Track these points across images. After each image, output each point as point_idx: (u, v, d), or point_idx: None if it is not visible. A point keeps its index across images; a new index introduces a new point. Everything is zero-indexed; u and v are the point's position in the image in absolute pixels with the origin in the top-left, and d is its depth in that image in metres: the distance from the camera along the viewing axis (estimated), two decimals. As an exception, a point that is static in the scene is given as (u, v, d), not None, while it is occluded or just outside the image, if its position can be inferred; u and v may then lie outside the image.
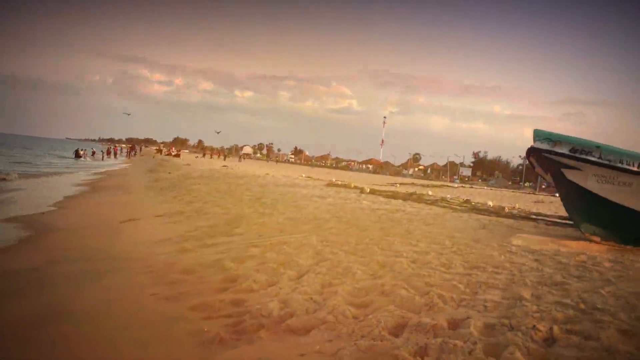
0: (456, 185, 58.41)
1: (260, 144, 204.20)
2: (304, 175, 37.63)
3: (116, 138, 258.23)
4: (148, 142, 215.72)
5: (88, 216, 14.24)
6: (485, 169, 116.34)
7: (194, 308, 5.76)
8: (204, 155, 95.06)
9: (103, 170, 42.06)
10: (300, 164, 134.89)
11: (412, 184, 47.42)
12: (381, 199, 17.44)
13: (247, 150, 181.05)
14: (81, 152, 64.19)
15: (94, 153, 70.68)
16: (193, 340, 4.89)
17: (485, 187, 65.02)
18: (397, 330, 4.79)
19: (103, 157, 66.46)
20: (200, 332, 5.04)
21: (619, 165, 8.80)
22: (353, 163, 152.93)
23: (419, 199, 18.49)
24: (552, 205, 25.47)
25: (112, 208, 15.84)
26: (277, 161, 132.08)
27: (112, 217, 13.48)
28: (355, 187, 22.11)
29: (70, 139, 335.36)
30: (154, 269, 7.52)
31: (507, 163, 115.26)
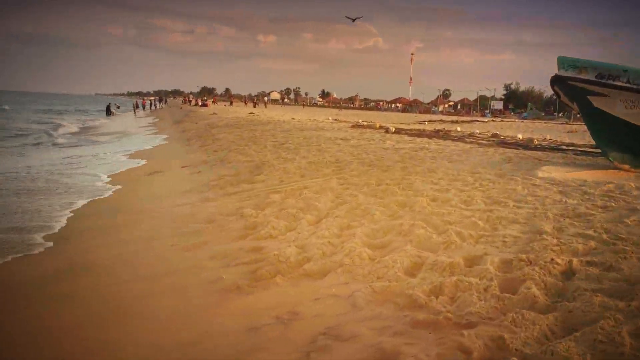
0: (487, 120, 57.30)
1: (287, 89, 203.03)
2: (330, 118, 37.35)
3: (144, 91, 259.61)
4: (176, 93, 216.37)
5: (115, 170, 14.42)
6: (518, 101, 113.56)
7: (213, 257, 5.81)
8: (231, 103, 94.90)
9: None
10: (328, 106, 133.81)
11: (441, 120, 46.73)
12: (406, 138, 17.22)
13: (275, 96, 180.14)
14: (112, 109, 64.55)
15: (118, 107, 71.12)
16: (211, 288, 4.95)
17: (517, 120, 63.66)
18: (413, 270, 4.76)
19: (134, 111, 66.80)
20: (218, 280, 5.09)
21: None
22: (382, 103, 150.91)
23: (446, 135, 18.22)
24: (586, 134, 24.80)
25: (142, 159, 16.01)
26: (304, 105, 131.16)
27: (139, 170, 13.64)
28: (381, 128, 21.87)
29: (99, 94, 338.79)
30: (176, 219, 7.60)
31: (541, 93, 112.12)
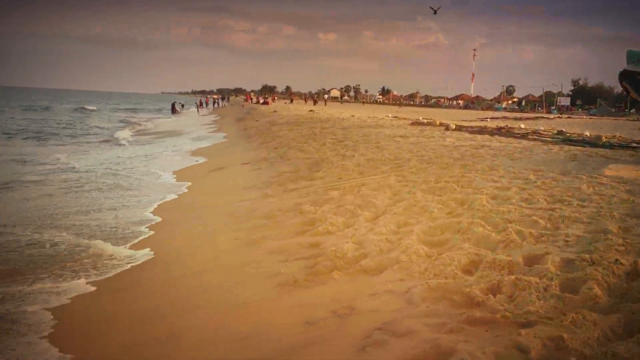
0: (552, 117, 55.52)
1: (347, 86, 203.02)
2: (390, 115, 37.11)
3: (207, 89, 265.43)
4: (238, 91, 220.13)
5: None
6: (586, 97, 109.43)
7: (272, 251, 5.94)
8: (291, 101, 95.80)
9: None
10: (388, 104, 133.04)
11: (504, 117, 45.64)
12: (466, 135, 16.94)
13: (335, 93, 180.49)
14: (177, 107, 66.35)
15: (182, 106, 73.02)
16: (270, 282, 5.08)
17: (585, 117, 61.45)
18: (471, 268, 4.72)
19: (198, 109, 68.44)
20: (277, 274, 5.22)
21: None
22: (443, 100, 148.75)
23: (508, 132, 17.80)
24: (659, 131, 23.72)
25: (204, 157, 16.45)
26: (363, 102, 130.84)
27: (202, 167, 14.03)
28: (441, 125, 21.58)
29: (165, 92, 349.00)
30: (237, 215, 7.80)
31: (611, 89, 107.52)
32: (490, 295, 4.04)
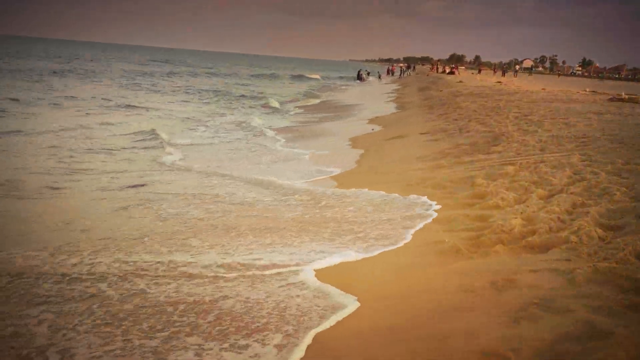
0: None
1: (542, 56, 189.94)
2: (587, 90, 34.27)
3: (394, 58, 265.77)
4: (424, 60, 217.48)
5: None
6: None
7: (438, 221, 6.10)
8: (479, 71, 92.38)
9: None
10: (587, 77, 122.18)
11: None
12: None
13: (527, 64, 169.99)
14: (363, 75, 67.72)
15: (368, 74, 74.12)
16: (432, 249, 5.28)
17: None
18: (648, 255, 4.46)
19: (380, 77, 69.23)
20: (440, 242, 5.38)
21: None
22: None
23: None
24: None
25: (381, 125, 16.84)
26: (559, 75, 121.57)
27: (377, 135, 14.42)
28: (646, 102, 19.52)
29: (353, 60, 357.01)
30: (409, 183, 8.03)
31: None
32: (664, 285, 3.83)
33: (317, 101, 31.25)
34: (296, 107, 27.08)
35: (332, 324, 3.92)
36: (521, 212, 5.94)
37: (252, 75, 62.66)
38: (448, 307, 4.00)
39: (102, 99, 23.85)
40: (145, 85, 35.09)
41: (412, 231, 5.84)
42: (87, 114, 18.44)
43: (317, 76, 70.12)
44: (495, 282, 4.23)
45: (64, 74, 38.98)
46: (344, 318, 4.01)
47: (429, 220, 6.17)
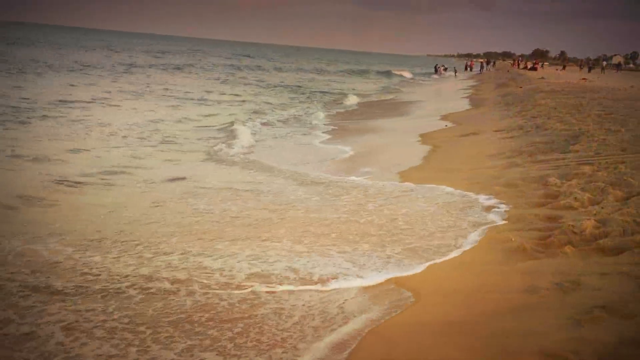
0: None
1: (634, 52, 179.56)
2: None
3: (474, 53, 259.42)
4: (505, 55, 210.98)
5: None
6: None
7: (507, 219, 5.99)
8: (564, 67, 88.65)
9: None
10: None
11: None
12: None
13: (617, 60, 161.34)
14: (440, 68, 66.73)
15: (446, 69, 72.73)
16: (499, 247, 5.20)
17: None
18: None
19: (456, 73, 67.78)
20: (507, 240, 5.30)
21: None
22: None
23: None
24: None
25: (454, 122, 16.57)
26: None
27: (449, 131, 14.21)
28: None
29: (430, 55, 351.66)
30: (476, 181, 7.90)
31: None
32: None
33: (391, 96, 31.04)
34: (369, 101, 27.03)
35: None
36: (595, 214, 5.74)
37: (339, 71, 62.11)
38: (510, 305, 3.96)
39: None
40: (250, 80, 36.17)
41: (477, 232, 5.76)
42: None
43: (407, 73, 65.43)
44: (561, 283, 4.14)
45: (183, 68, 42.14)
46: (401, 311, 4.05)
47: (496, 221, 6.06)
